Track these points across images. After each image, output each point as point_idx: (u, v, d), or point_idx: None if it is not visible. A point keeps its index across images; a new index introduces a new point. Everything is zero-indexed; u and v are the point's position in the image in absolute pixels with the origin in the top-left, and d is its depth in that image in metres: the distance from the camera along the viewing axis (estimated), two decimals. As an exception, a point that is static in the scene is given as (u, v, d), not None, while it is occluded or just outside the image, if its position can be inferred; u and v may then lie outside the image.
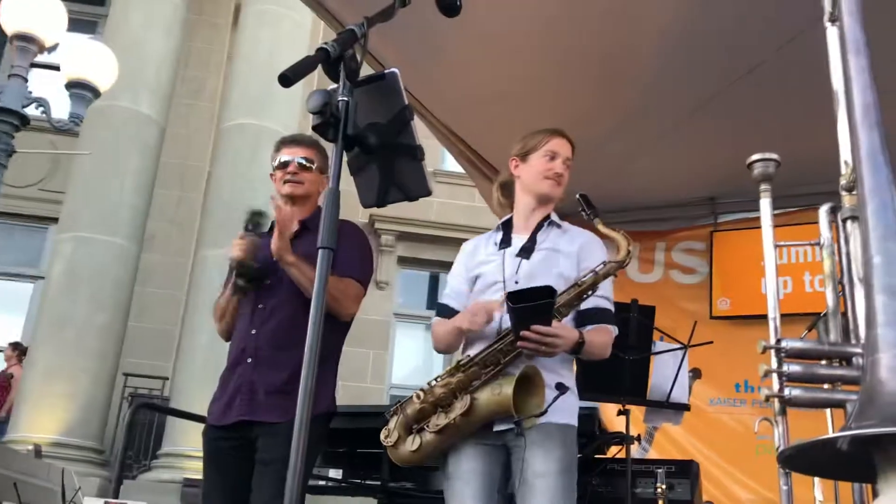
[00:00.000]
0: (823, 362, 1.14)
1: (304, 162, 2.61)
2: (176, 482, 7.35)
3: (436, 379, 2.25)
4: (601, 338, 2.34)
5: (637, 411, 3.33)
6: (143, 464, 8.42)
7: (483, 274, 2.42)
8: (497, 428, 2.23)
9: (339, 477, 3.74)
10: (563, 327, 2.22)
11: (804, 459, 0.95)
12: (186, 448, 7.60)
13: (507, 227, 2.51)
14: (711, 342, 3.32)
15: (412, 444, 2.21)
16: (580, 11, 3.55)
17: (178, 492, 7.22)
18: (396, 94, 1.65)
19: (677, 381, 3.13)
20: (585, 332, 2.29)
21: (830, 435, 0.84)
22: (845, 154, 1.17)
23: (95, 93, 6.02)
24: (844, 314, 1.14)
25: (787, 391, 1.13)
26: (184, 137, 10.79)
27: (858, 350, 1.13)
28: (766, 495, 4.87)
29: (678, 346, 3.20)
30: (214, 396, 2.58)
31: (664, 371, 3.17)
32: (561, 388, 2.21)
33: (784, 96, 3.69)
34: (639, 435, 3.03)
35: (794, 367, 1.12)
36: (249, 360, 2.48)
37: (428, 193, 1.67)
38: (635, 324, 3.14)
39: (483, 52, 3.84)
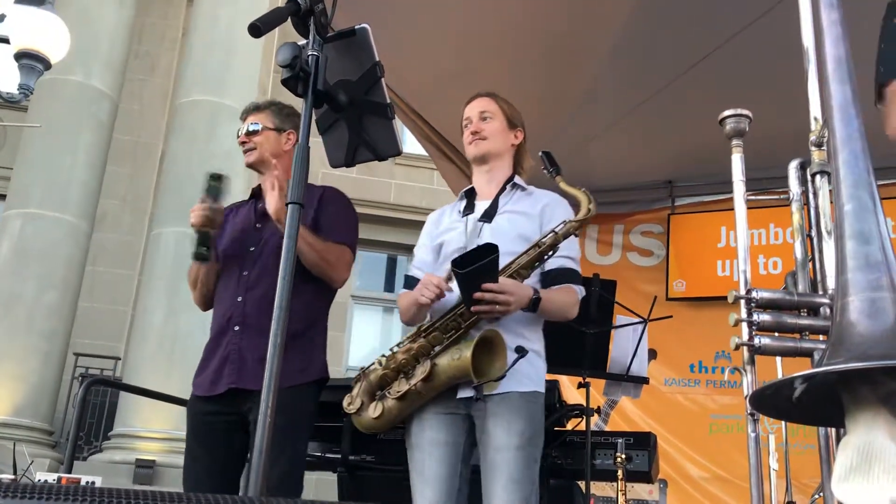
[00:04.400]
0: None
1: (250, 128, 2.58)
2: (128, 463, 7.24)
3: (398, 345, 2.23)
4: (563, 297, 2.30)
5: (596, 384, 3.37)
6: (95, 445, 8.27)
7: (447, 241, 2.41)
8: (461, 395, 2.21)
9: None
10: (515, 284, 2.18)
11: (774, 401, 0.96)
12: (139, 428, 7.49)
13: (470, 194, 2.51)
14: (671, 316, 3.37)
15: (374, 410, 2.19)
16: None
17: (130, 473, 7.11)
18: (367, 50, 1.63)
19: (637, 354, 3.17)
20: (544, 290, 2.26)
21: (802, 372, 0.85)
22: (815, 110, 1.18)
23: (46, 64, 5.85)
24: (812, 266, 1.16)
25: (756, 340, 1.15)
26: (137, 114, 10.57)
27: (826, 300, 1.15)
28: (718, 473, 4.98)
29: (638, 320, 3.24)
30: (199, 367, 2.51)
31: (624, 345, 3.21)
32: (520, 352, 2.18)
33: (740, 83, 3.75)
34: (598, 407, 3.07)
35: (763, 317, 1.14)
36: (237, 328, 2.43)
37: (398, 153, 1.66)
38: (596, 298, 3.17)
39: (444, 31, 3.83)
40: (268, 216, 2.40)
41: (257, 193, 2.62)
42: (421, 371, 2.15)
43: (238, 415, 2.38)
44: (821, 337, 1.15)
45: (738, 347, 1.15)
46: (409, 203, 10.96)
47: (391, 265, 11.75)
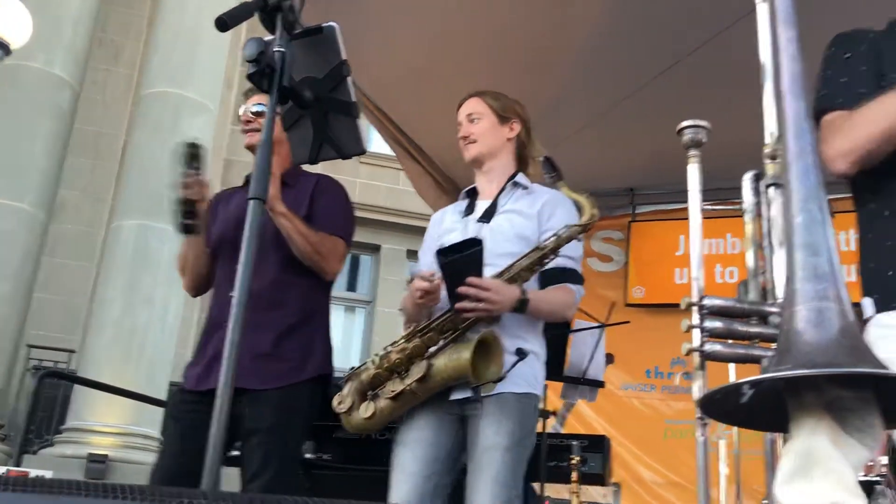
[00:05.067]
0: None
1: (256, 109, 2.48)
2: (80, 457, 7.11)
3: (392, 345, 2.19)
4: (559, 297, 2.26)
5: (554, 387, 3.40)
6: (46, 439, 8.10)
7: (447, 242, 2.34)
8: (454, 396, 2.17)
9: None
10: (500, 283, 2.14)
11: (723, 405, 0.99)
12: (93, 423, 7.36)
13: (471, 194, 2.48)
14: (628, 322, 3.42)
15: (366, 410, 2.15)
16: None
17: (82, 467, 6.98)
18: (334, 48, 1.63)
19: (594, 358, 3.21)
20: (537, 291, 2.23)
21: (750, 378, 0.88)
22: (771, 124, 1.21)
23: (6, 50, 5.73)
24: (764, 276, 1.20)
25: (707, 346, 1.17)
26: (100, 104, 10.40)
27: (775, 309, 1.18)
28: (671, 477, 5.06)
29: (596, 324, 3.28)
30: (191, 361, 2.43)
31: (581, 349, 3.24)
32: (521, 354, 2.13)
33: (701, 95, 3.81)
34: (555, 410, 3.10)
35: (715, 324, 1.17)
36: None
37: (362, 151, 1.66)
38: (557, 301, 3.19)
39: (415, 32, 3.82)
40: None
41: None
42: (417, 371, 2.10)
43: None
44: (771, 345, 1.18)
45: (689, 353, 1.18)
46: (374, 202, 10.94)
47: (354, 264, 11.71)
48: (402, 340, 2.18)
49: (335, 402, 2.20)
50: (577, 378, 3.22)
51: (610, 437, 5.22)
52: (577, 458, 2.76)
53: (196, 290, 2.56)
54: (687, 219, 1.36)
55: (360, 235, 11.62)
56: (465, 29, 3.81)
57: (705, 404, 0.95)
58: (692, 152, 1.31)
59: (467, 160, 2.47)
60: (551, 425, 4.24)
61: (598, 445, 3.05)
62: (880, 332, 1.60)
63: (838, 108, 1.71)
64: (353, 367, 2.25)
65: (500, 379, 2.09)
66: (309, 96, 1.58)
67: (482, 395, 2.12)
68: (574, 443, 2.84)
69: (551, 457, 2.98)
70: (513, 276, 2.17)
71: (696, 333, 1.16)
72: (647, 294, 5.54)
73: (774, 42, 1.14)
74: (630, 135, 4.70)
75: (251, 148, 2.42)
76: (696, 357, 1.18)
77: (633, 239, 5.83)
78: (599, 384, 3.34)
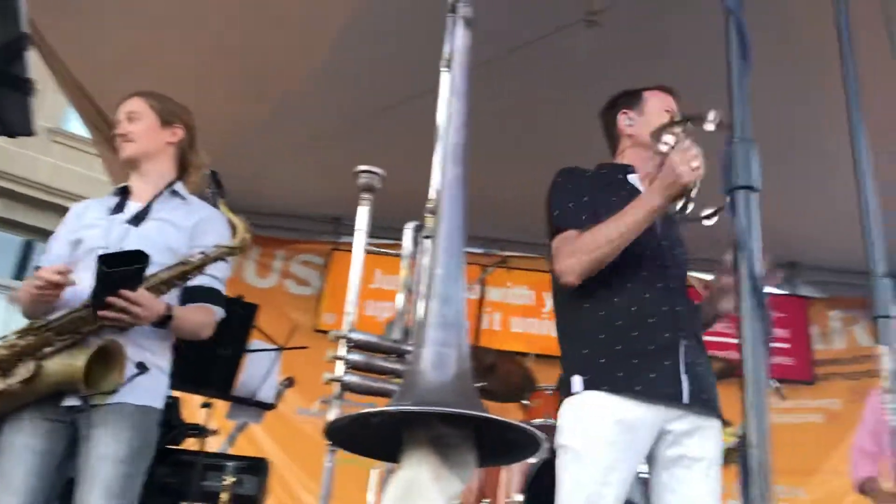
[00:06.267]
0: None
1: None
2: None
3: (2, 338, 2.03)
4: (199, 316, 2.25)
5: (221, 406, 3.34)
6: None
7: (85, 238, 2.24)
8: (66, 403, 2.05)
9: None
10: (151, 298, 2.09)
11: (348, 433, 1.06)
12: None
13: (123, 192, 2.37)
14: (307, 347, 3.47)
15: None
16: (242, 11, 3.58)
17: None
18: (14, 18, 1.49)
19: (267, 380, 3.20)
20: (180, 308, 2.20)
21: (372, 410, 0.95)
22: (436, 182, 1.34)
23: None
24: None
25: (346, 377, 1.25)
26: None
27: (411, 349, 1.29)
28: (330, 504, 5.17)
29: (274, 347, 3.29)
30: None
31: (256, 370, 3.22)
32: (141, 368, 2.09)
33: (397, 142, 4.05)
34: (217, 429, 3.04)
35: (356, 356, 1.25)
36: None
37: (30, 133, 1.54)
38: (235, 319, 3.15)
39: (134, 17, 3.64)
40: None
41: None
42: (24, 371, 1.97)
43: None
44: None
45: (328, 382, 1.24)
46: (62, 187, 9.97)
47: (26, 251, 10.52)
48: (15, 336, 2.04)
49: None
50: (246, 399, 3.19)
51: (277, 461, 5.23)
52: (231, 480, 2.73)
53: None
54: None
55: (37, 219, 10.54)
56: (193, 24, 3.72)
57: (330, 432, 1.01)
58: (364, 195, 1.40)
59: (122, 159, 2.39)
60: (220, 445, 4.14)
61: (256, 468, 3.03)
62: (578, 405, 1.97)
63: (569, 227, 2.10)
64: None
65: (113, 392, 2.03)
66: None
67: (92, 403, 2.03)
68: (230, 463, 2.81)
69: (207, 476, 2.90)
70: (151, 286, 2.11)
71: (339, 364, 1.23)
72: (337, 322, 5.62)
73: (448, 111, 1.27)
74: (339, 165, 4.82)
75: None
76: (335, 387, 1.25)
77: (332, 266, 5.95)
78: (270, 407, 3.33)
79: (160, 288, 2.13)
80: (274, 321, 4.03)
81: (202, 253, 2.18)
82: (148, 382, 2.13)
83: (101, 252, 2.09)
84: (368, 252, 1.38)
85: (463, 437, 1.05)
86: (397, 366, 1.27)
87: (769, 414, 0.88)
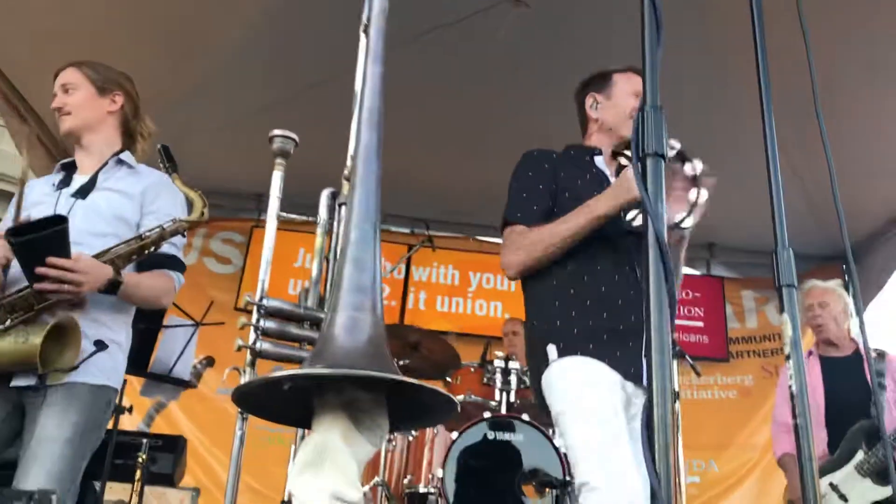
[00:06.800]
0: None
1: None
2: None
3: None
4: (157, 282, 2.19)
5: (135, 383, 3.25)
6: None
7: (33, 216, 2.13)
8: (15, 383, 1.98)
9: None
10: (91, 262, 2.02)
11: (258, 399, 1.04)
12: None
13: (68, 167, 2.32)
14: (223, 323, 3.40)
15: None
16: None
17: None
18: None
19: (182, 357, 3.13)
20: (132, 274, 2.14)
21: (281, 373, 0.94)
22: (351, 149, 1.32)
23: None
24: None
25: (259, 344, 1.22)
26: None
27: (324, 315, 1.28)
28: (250, 483, 5.11)
29: (190, 322, 3.22)
30: None
31: (171, 346, 3.15)
32: (99, 346, 2.03)
33: (325, 114, 4.01)
34: (131, 406, 2.95)
35: (269, 324, 1.23)
36: None
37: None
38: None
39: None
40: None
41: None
42: None
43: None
44: (317, 348, 1.27)
45: (239, 349, 1.22)
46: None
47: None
48: None
49: None
50: (161, 375, 3.11)
51: (197, 441, 5.14)
52: (144, 457, 2.67)
53: None
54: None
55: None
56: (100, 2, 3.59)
57: (239, 396, 0.99)
58: (278, 160, 1.38)
59: (62, 133, 2.33)
60: (137, 425, 4.05)
61: (171, 446, 2.97)
62: (561, 372, 2.01)
63: (517, 222, 2.15)
64: None
65: (72, 369, 1.97)
66: None
67: (48, 383, 1.97)
68: (144, 441, 2.74)
69: (118, 454, 2.82)
70: (107, 261, 2.07)
71: (251, 332, 1.21)
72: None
73: (364, 75, 1.25)
74: (263, 141, 4.75)
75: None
76: (247, 354, 1.23)
77: (254, 244, 5.86)
78: (186, 384, 3.27)
79: (117, 263, 2.07)
80: (194, 300, 3.94)
81: (160, 227, 2.13)
82: (105, 360, 2.06)
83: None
84: (282, 219, 1.36)
85: (375, 401, 1.04)
86: (311, 333, 1.25)
87: (671, 371, 0.91)
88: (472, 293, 6.21)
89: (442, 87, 4.50)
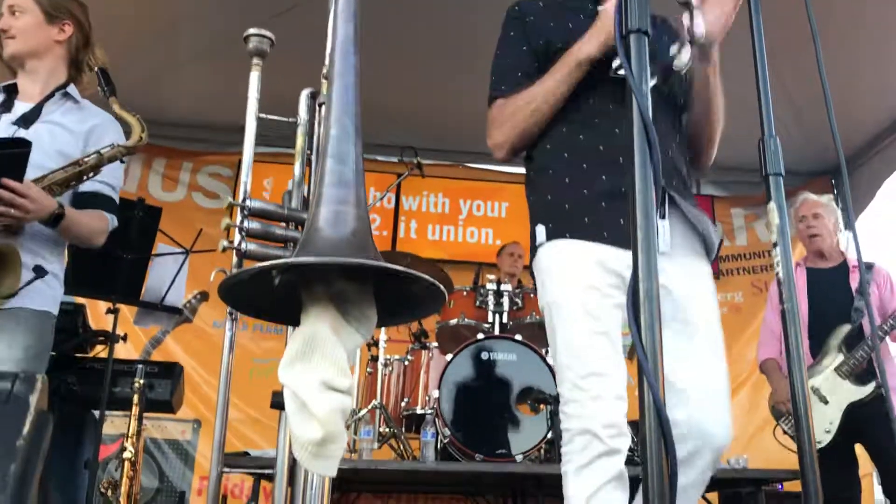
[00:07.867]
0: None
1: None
2: None
3: None
4: (93, 221, 2.19)
5: (128, 312, 3.26)
6: None
7: None
8: None
9: None
10: (40, 192, 2.00)
11: (244, 293, 1.03)
12: None
13: (10, 90, 2.25)
14: (214, 250, 3.37)
15: None
16: None
17: None
18: None
19: (174, 284, 3.14)
20: (71, 209, 2.12)
21: (267, 263, 0.93)
22: (329, 46, 1.29)
23: None
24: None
25: (244, 245, 1.22)
26: None
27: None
28: (252, 415, 5.20)
29: (180, 250, 3.21)
30: None
31: (162, 274, 3.15)
32: (39, 272, 2.04)
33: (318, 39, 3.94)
34: (125, 334, 2.97)
35: (254, 225, 1.22)
36: None
37: None
38: (138, 223, 3.06)
39: None
40: None
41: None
42: None
43: None
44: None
45: (224, 250, 1.21)
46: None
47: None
48: None
49: None
50: (153, 304, 3.12)
51: (194, 373, 5.18)
52: (141, 382, 2.69)
53: None
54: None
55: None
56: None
57: (224, 291, 0.99)
58: (255, 60, 1.35)
59: (5, 57, 2.26)
60: (140, 355, 4.06)
61: (167, 372, 2.99)
62: (547, 260, 1.79)
63: (500, 95, 1.89)
64: None
65: (13, 295, 1.97)
66: None
67: None
68: (140, 367, 2.76)
69: (117, 382, 2.85)
70: (44, 187, 2.04)
71: (236, 232, 1.20)
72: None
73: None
74: (246, 71, 4.66)
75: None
76: (233, 255, 1.22)
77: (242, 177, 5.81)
78: (178, 311, 3.28)
79: (53, 189, 2.05)
80: (185, 234, 3.93)
81: (97, 153, 2.11)
82: (43, 287, 2.08)
83: None
84: (259, 119, 1.33)
85: (362, 292, 1.04)
86: (296, 234, 1.25)
87: (657, 248, 0.90)
88: (462, 221, 6.21)
89: (427, 8, 4.41)
